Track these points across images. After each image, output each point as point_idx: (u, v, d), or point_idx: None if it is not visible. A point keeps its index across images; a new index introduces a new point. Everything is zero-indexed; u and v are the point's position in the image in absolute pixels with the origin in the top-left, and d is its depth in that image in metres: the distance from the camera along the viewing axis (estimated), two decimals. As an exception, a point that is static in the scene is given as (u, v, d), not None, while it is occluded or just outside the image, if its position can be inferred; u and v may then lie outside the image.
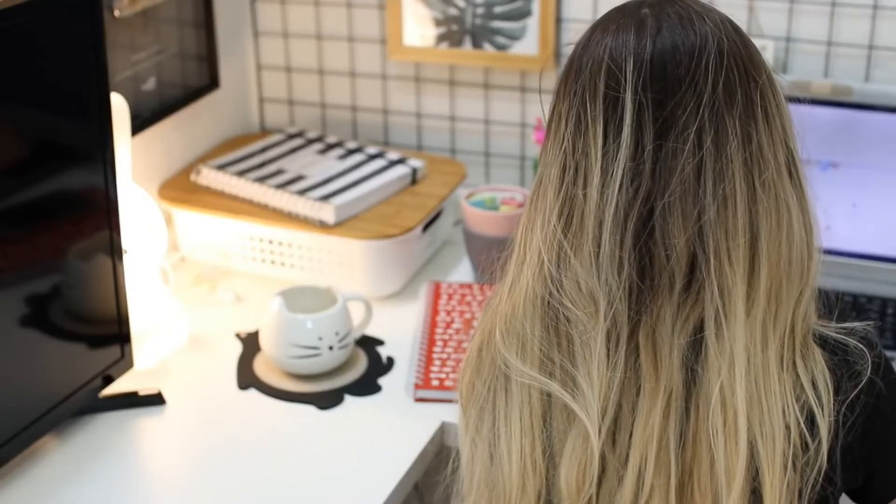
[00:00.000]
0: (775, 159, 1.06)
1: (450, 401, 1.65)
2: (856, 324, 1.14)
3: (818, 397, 1.08)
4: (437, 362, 1.71)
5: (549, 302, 1.11)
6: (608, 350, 1.08)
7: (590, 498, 1.12)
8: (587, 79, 1.07)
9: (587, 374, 1.09)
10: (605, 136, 1.05)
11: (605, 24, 1.09)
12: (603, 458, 1.11)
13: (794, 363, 1.09)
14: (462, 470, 1.24)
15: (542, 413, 1.14)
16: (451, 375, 1.68)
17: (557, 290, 1.09)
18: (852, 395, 1.09)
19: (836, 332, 1.13)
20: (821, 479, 1.09)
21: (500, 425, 1.16)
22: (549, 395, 1.13)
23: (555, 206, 1.09)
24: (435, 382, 1.67)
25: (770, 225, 1.06)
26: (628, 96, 1.04)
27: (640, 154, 1.04)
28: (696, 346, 1.07)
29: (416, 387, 1.67)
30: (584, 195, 1.07)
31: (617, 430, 1.11)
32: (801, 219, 1.08)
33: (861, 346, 1.11)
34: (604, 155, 1.05)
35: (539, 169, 1.13)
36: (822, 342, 1.12)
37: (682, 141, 1.03)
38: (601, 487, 1.12)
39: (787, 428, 1.07)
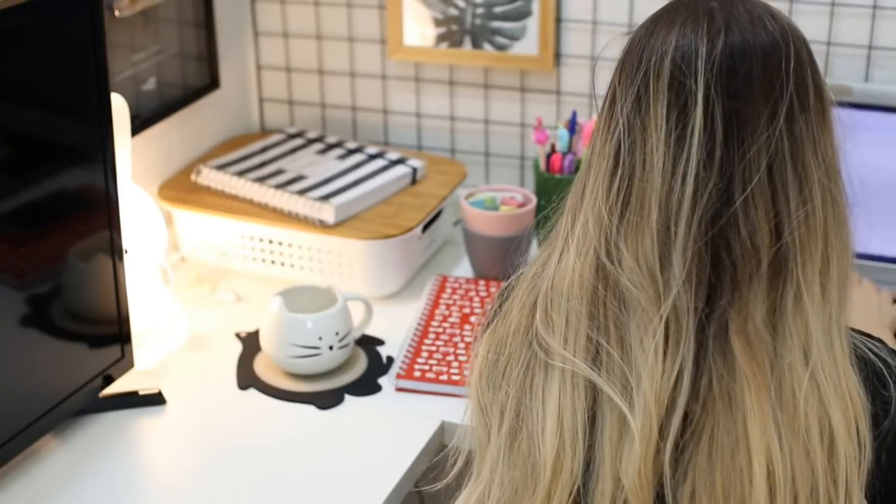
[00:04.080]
0: (835, 162, 1.06)
1: (430, 393, 1.66)
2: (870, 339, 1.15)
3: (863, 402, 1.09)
4: (425, 354, 1.72)
5: (597, 286, 1.07)
6: (667, 340, 1.04)
7: (660, 494, 1.08)
8: (651, 67, 1.03)
9: (642, 364, 1.05)
10: (668, 119, 1.02)
11: (671, 16, 1.05)
12: (679, 450, 1.06)
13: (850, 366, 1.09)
14: (476, 451, 1.21)
15: (587, 396, 1.09)
16: (435, 368, 1.69)
17: (616, 270, 1.05)
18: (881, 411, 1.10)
19: (863, 345, 1.12)
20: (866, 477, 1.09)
21: (536, 404, 1.11)
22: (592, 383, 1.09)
23: (609, 186, 1.05)
24: (417, 374, 1.68)
25: (837, 228, 1.06)
26: (699, 87, 1.01)
27: (712, 144, 1.01)
28: (781, 339, 1.05)
29: (398, 376, 1.68)
30: (646, 176, 1.03)
31: (688, 427, 1.06)
32: (847, 224, 1.08)
33: (881, 364, 1.12)
34: (667, 139, 1.02)
35: (586, 153, 1.10)
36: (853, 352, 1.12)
37: (759, 136, 1.01)
38: (680, 483, 1.07)
39: (856, 422, 1.07)
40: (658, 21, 1.06)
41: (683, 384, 1.05)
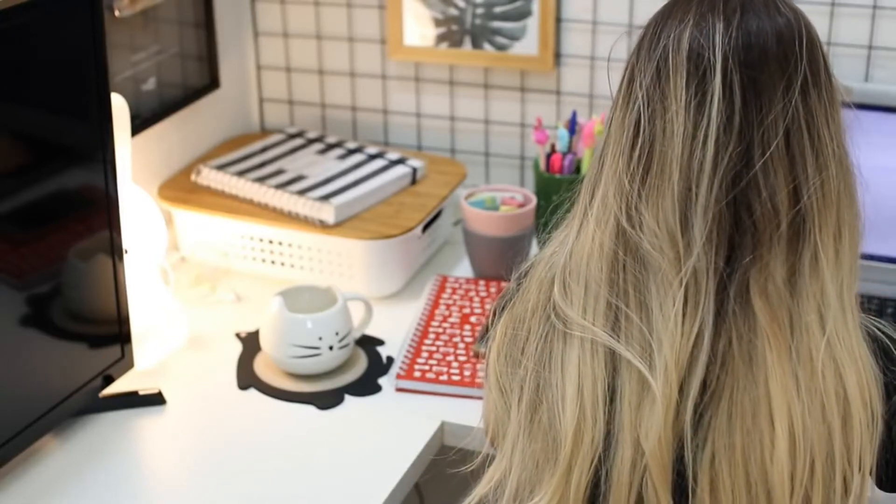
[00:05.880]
0: (844, 137, 1.10)
1: (430, 393, 1.67)
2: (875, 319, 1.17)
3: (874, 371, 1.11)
4: (425, 354, 1.72)
5: (617, 252, 1.09)
6: (686, 302, 1.07)
7: (681, 457, 1.09)
8: (670, 42, 1.07)
9: (662, 327, 1.07)
10: (688, 88, 1.06)
11: (687, 2, 1.10)
12: (698, 414, 1.08)
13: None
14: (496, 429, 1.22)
15: (606, 364, 1.11)
16: (435, 368, 1.69)
17: (637, 234, 1.08)
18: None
19: (869, 322, 1.15)
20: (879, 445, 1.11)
21: (555, 375, 1.13)
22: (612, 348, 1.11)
23: (630, 155, 1.09)
24: (417, 374, 1.68)
25: (849, 199, 1.10)
26: (717, 58, 1.05)
27: (731, 109, 1.05)
28: (799, 300, 1.08)
29: (398, 377, 1.68)
30: (667, 142, 1.07)
31: (708, 389, 1.07)
32: (857, 197, 1.12)
33: (888, 341, 1.14)
34: (687, 106, 1.06)
35: (603, 132, 1.14)
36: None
37: (776, 105, 1.06)
38: (701, 449, 1.08)
39: (868, 389, 1.09)
40: (674, 6, 1.11)
41: (703, 345, 1.07)
